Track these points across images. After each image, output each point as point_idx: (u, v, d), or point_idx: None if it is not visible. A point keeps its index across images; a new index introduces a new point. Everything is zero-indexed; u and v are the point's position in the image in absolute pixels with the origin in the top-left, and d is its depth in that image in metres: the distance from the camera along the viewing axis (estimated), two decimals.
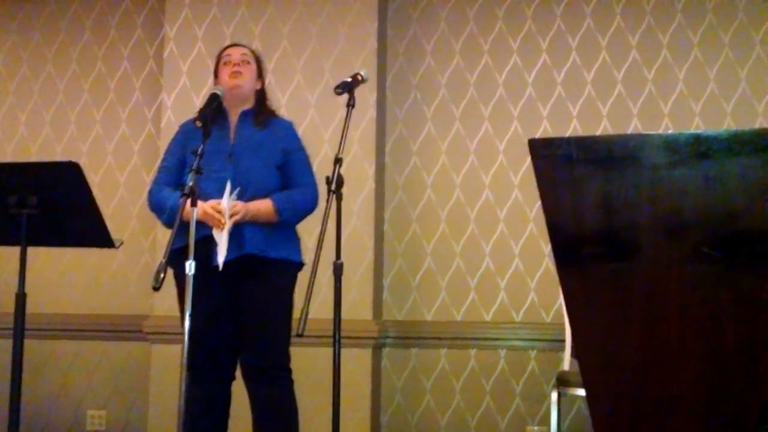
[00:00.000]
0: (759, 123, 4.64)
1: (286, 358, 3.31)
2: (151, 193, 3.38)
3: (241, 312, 3.26)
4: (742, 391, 1.40)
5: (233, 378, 3.37)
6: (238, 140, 3.33)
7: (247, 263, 3.22)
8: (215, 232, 3.15)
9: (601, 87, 4.79)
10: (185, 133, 3.42)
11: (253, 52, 3.51)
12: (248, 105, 3.42)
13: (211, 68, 3.58)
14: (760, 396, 1.38)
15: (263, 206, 3.24)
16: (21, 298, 3.15)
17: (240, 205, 3.17)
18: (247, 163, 3.26)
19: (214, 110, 3.08)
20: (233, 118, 3.39)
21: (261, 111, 3.43)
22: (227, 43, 3.72)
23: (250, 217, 3.20)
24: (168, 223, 3.27)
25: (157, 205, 3.34)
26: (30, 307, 3.21)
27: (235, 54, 3.42)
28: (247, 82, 3.39)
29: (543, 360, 4.64)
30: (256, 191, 3.25)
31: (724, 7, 4.75)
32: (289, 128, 3.46)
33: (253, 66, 3.45)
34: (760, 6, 4.73)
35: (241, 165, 3.25)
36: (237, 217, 3.15)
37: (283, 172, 3.35)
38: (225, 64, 3.42)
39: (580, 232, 1.46)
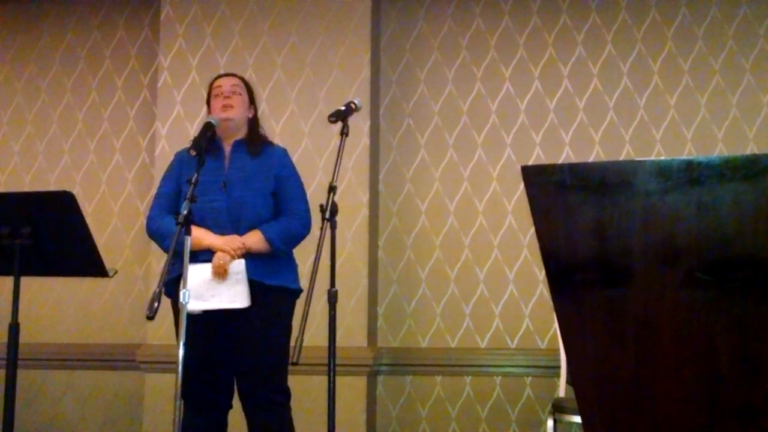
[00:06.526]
0: (750, 149, 4.66)
1: (284, 385, 3.30)
2: (151, 219, 3.37)
3: (239, 339, 3.25)
4: (738, 417, 1.39)
5: (230, 406, 3.35)
6: (232, 170, 3.35)
7: None
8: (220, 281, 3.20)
9: (593, 114, 4.81)
10: (180, 161, 3.44)
11: (243, 80, 3.54)
12: (241, 134, 3.44)
13: (205, 98, 3.60)
14: (756, 421, 1.37)
15: (255, 239, 3.26)
16: (14, 328, 3.14)
17: (237, 240, 3.21)
18: (241, 193, 3.28)
19: (208, 139, 3.12)
20: (227, 147, 3.41)
21: (253, 140, 3.45)
22: (219, 72, 3.73)
23: (246, 250, 3.24)
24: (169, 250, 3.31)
25: (158, 233, 3.33)
26: (23, 337, 3.20)
27: (226, 85, 3.45)
28: (238, 113, 3.41)
29: (538, 386, 4.62)
30: (251, 221, 3.27)
31: (714, 34, 4.80)
32: (281, 155, 3.47)
33: (244, 96, 3.47)
34: (749, 33, 4.78)
35: (234, 195, 3.27)
36: (237, 253, 3.20)
37: (277, 198, 3.37)
38: (216, 96, 3.44)
39: (573, 259, 1.46)
